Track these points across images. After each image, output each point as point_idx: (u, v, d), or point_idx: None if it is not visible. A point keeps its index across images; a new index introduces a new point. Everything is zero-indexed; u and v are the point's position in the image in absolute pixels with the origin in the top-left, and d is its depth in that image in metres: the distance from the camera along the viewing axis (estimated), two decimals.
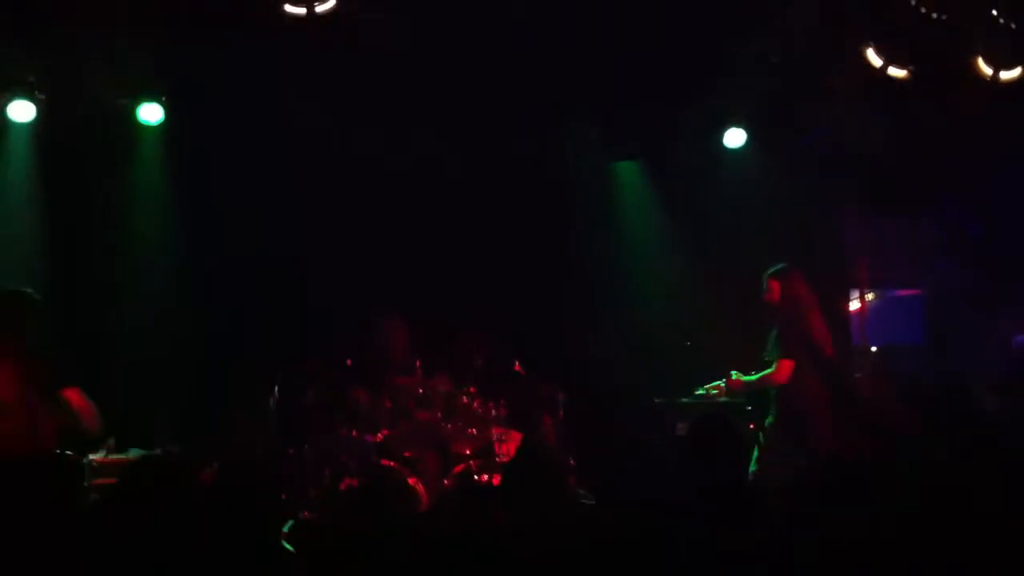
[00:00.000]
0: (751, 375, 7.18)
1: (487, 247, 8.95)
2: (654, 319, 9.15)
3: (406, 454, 7.36)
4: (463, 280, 8.77)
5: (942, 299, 10.33)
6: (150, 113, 8.27)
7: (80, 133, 8.28)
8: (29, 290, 6.03)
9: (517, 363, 7.95)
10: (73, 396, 5.73)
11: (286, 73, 7.99)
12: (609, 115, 8.86)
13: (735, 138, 9.20)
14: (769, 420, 7.13)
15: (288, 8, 6.69)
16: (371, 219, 8.73)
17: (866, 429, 6.83)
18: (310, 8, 6.67)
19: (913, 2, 6.92)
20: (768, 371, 7.02)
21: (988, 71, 7.65)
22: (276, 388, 7.65)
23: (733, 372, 7.22)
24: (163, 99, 8.23)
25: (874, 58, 7.50)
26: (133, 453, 7.17)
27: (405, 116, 8.48)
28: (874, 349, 10.27)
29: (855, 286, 10.32)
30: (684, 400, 8.00)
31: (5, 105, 7.96)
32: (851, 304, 10.36)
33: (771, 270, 7.21)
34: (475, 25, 7.73)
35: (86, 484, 6.66)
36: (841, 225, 9.92)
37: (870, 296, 10.63)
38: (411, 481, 7.06)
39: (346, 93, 8.26)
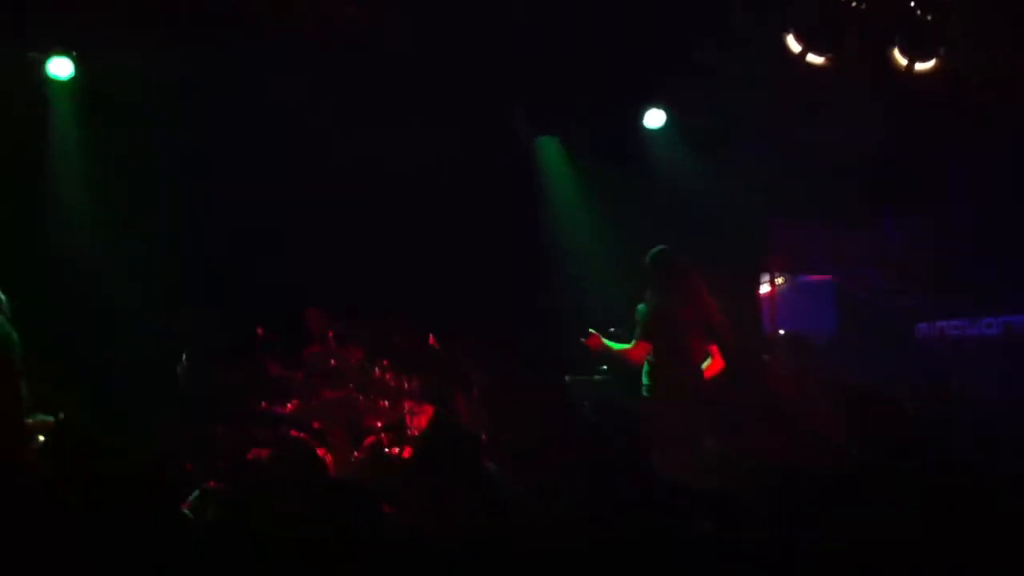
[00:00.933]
0: (610, 343, 7.16)
1: (414, 229, 8.89)
2: (578, 296, 9.19)
3: (316, 426, 7.30)
4: (388, 259, 8.71)
5: (855, 290, 10.50)
6: (59, 68, 8.02)
7: None
8: None
9: (432, 337, 7.91)
10: None
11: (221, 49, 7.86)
12: (536, 93, 8.85)
13: (655, 119, 9.25)
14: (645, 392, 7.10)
15: None
16: (298, 200, 8.65)
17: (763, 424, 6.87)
18: None
19: None
20: (626, 346, 7.04)
21: (903, 61, 7.78)
22: (184, 359, 7.51)
23: (591, 329, 7.15)
24: (73, 54, 7.99)
25: (793, 44, 7.57)
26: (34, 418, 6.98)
27: (339, 106, 8.42)
28: (782, 332, 10.37)
29: (766, 270, 10.43)
30: (597, 377, 8.04)
31: None
32: (761, 288, 10.47)
33: (648, 253, 7.19)
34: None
35: None
36: (764, 217, 9.98)
37: (780, 280, 10.73)
38: (319, 452, 6.99)
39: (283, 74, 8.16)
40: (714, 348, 7.00)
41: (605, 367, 7.83)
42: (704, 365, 6.98)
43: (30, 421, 6.77)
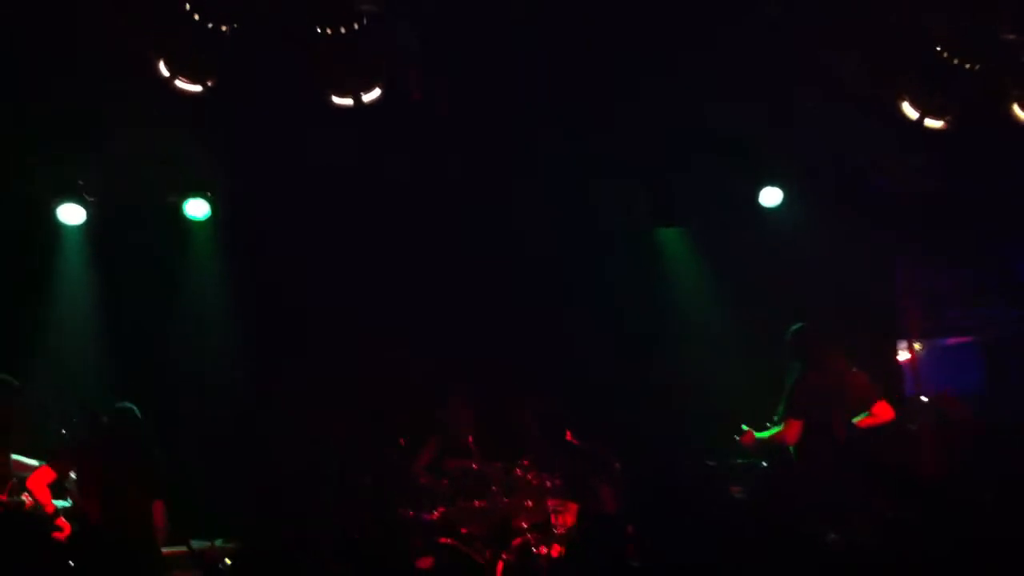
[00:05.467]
0: (764, 432, 7.04)
1: (536, 315, 9.04)
2: (705, 381, 9.12)
3: (463, 531, 7.35)
4: (512, 349, 8.88)
5: (1000, 345, 10.13)
6: (196, 208, 8.45)
7: (131, 231, 8.44)
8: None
9: (569, 433, 7.93)
10: None
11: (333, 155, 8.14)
12: (653, 179, 8.95)
13: (771, 197, 9.22)
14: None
15: (335, 99, 6.72)
16: (422, 294, 8.88)
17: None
18: (356, 99, 6.68)
19: (945, 54, 6.93)
20: (778, 429, 6.91)
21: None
22: (332, 468, 7.69)
23: (744, 426, 7.06)
24: (209, 195, 8.40)
25: (910, 111, 7.49)
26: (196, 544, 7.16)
27: (457, 183, 8.68)
28: (924, 399, 10.06)
29: (904, 336, 10.19)
30: (740, 461, 7.92)
31: (55, 208, 8.16)
32: (900, 355, 10.23)
33: (788, 330, 7.13)
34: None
35: None
36: (891, 275, 9.80)
37: (918, 346, 10.47)
38: (473, 557, 7.05)
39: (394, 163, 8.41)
40: (878, 406, 6.87)
41: (764, 463, 7.67)
42: (861, 418, 6.85)
43: (204, 546, 6.96)
